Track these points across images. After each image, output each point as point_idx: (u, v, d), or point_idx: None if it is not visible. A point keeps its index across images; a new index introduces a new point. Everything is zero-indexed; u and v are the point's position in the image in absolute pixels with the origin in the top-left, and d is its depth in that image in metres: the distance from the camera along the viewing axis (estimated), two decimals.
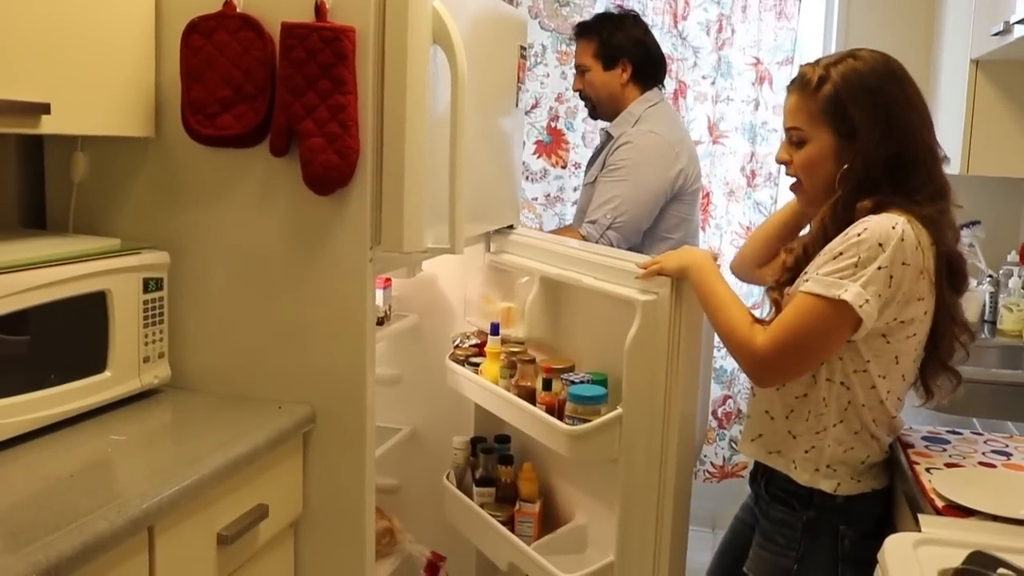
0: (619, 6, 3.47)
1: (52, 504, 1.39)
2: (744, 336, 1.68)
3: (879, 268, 1.57)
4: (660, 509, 1.99)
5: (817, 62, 1.75)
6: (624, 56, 2.88)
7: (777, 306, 1.73)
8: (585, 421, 2.00)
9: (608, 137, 2.93)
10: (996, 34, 2.52)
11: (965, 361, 1.78)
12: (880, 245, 1.57)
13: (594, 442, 2.00)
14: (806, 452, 1.72)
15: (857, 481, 1.71)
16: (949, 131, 3.18)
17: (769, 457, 1.78)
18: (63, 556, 1.23)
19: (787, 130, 1.78)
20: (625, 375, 1.96)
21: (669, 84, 3.60)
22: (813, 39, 3.66)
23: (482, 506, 2.39)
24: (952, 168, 3.07)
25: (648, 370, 1.96)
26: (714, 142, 3.62)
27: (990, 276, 3.30)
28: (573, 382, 2.06)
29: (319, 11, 1.78)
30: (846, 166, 1.68)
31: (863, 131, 1.66)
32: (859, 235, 1.60)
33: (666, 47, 3.60)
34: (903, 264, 1.59)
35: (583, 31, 2.94)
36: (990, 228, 3.39)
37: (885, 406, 1.70)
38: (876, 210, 1.63)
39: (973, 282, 3.33)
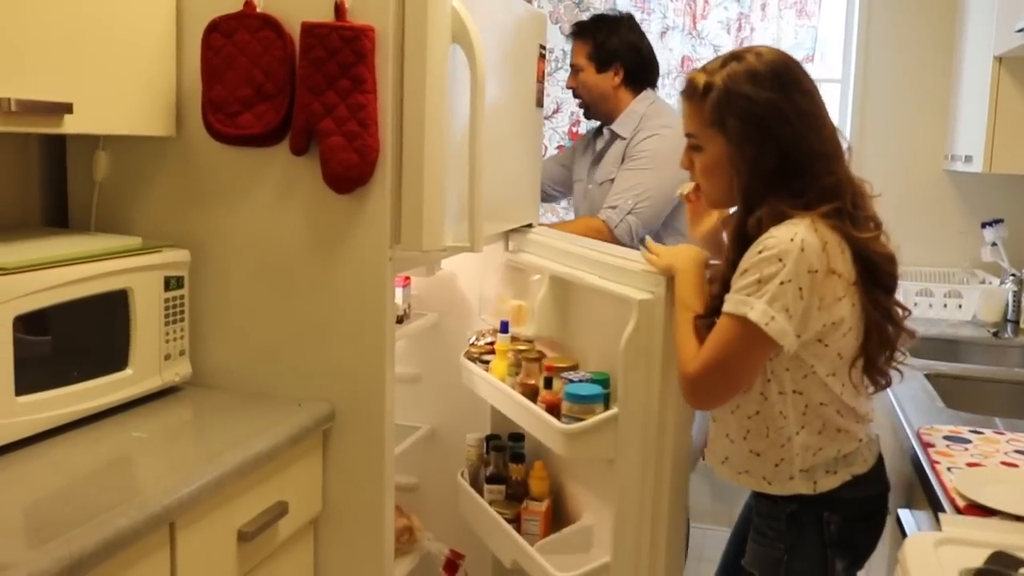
0: (617, 12, 3.45)
1: (74, 500, 1.40)
2: (686, 357, 1.70)
3: (781, 283, 1.56)
4: (656, 510, 1.97)
5: (704, 68, 1.74)
6: (617, 60, 2.93)
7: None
8: (580, 420, 1.99)
9: (613, 136, 2.95)
10: (1020, 30, 2.50)
11: (909, 343, 1.73)
12: (780, 260, 1.57)
13: (589, 441, 1.98)
14: (776, 466, 1.71)
15: (833, 473, 1.70)
16: (971, 129, 3.16)
17: (739, 477, 1.78)
18: (85, 551, 1.24)
19: (686, 136, 1.78)
20: (621, 375, 1.94)
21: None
22: (834, 36, 3.64)
23: (491, 503, 2.39)
24: (975, 166, 3.05)
25: (644, 370, 1.93)
26: None
27: (1013, 275, 3.28)
28: (572, 381, 2.05)
29: (339, 10, 1.79)
30: (736, 179, 1.68)
31: (739, 141, 1.66)
32: (760, 252, 1.60)
33: (685, 49, 3.61)
34: (809, 272, 1.57)
35: (579, 31, 2.98)
36: (1013, 226, 3.37)
37: (843, 399, 1.68)
38: (771, 221, 1.63)
39: (996, 281, 3.31)
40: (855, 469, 1.72)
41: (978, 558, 1.27)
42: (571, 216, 3.71)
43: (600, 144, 3.02)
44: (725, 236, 1.82)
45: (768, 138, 1.64)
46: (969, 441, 1.80)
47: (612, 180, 2.89)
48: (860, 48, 3.58)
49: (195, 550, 1.51)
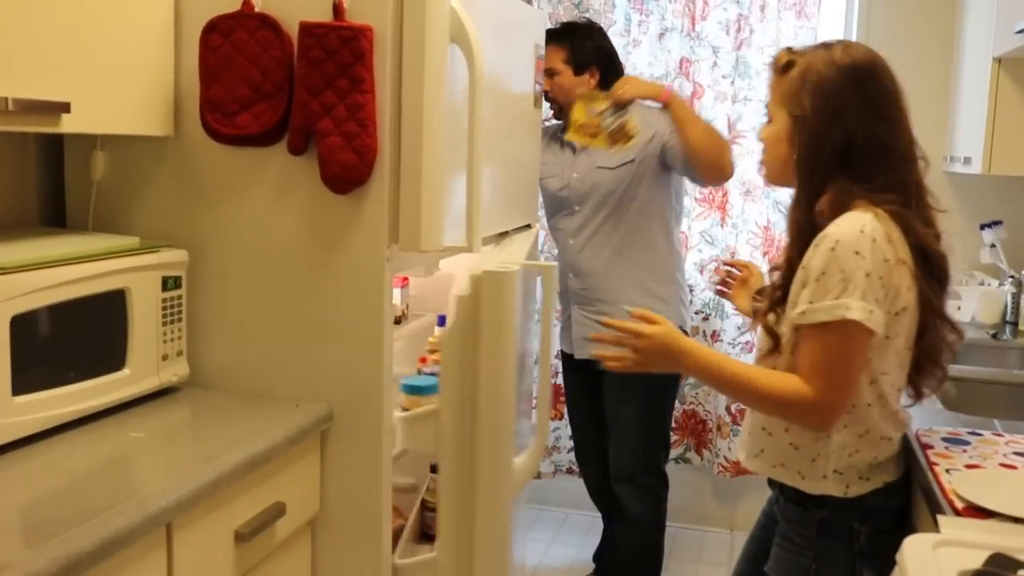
0: (587, 20, 3.48)
1: (71, 500, 1.40)
2: (795, 397, 1.61)
3: (867, 275, 1.56)
4: (474, 507, 1.91)
5: (792, 48, 1.78)
6: (593, 64, 3.03)
7: (767, 330, 1.73)
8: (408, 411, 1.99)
9: None
10: (1019, 32, 2.50)
11: (952, 360, 1.75)
12: (857, 253, 1.57)
13: (415, 434, 1.97)
14: (813, 461, 1.71)
15: (866, 480, 1.70)
16: (971, 130, 3.16)
17: (774, 471, 1.77)
18: (82, 552, 1.24)
19: (765, 108, 1.83)
20: (441, 371, 1.91)
21: (686, 87, 3.60)
22: (833, 38, 3.64)
23: (430, 491, 2.41)
24: (973, 167, 3.05)
25: (462, 367, 1.88)
26: (732, 141, 3.60)
27: (1012, 277, 3.28)
28: (427, 374, 2.06)
29: (337, 10, 1.78)
30: (797, 154, 1.69)
31: (809, 117, 1.67)
32: (832, 249, 1.58)
33: (684, 50, 3.60)
34: (885, 261, 1.58)
35: (554, 37, 3.04)
36: (1012, 228, 3.37)
37: (888, 400, 1.68)
38: (837, 209, 1.63)
39: (995, 283, 3.30)
40: (887, 477, 1.72)
41: (977, 560, 1.26)
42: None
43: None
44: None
45: (836, 119, 1.65)
46: (968, 443, 1.80)
47: (631, 161, 2.93)
48: None
49: (192, 551, 1.51)
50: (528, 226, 2.58)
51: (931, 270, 1.66)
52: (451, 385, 1.89)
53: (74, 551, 1.23)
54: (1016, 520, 1.43)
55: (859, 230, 1.58)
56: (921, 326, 1.68)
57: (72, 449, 1.60)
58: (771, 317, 1.74)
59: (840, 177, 1.65)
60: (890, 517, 1.73)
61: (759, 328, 1.78)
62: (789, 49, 1.78)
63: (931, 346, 1.70)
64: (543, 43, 2.62)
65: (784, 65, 1.73)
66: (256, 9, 1.83)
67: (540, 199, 3.28)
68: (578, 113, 2.88)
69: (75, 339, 1.69)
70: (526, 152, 2.56)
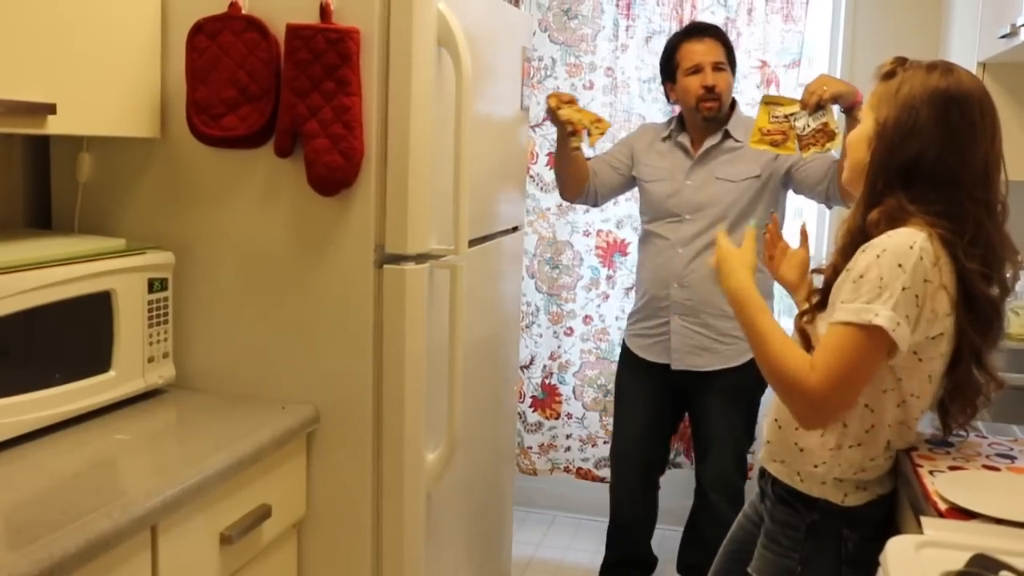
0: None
1: (56, 502, 1.40)
2: (796, 375, 1.59)
3: (903, 289, 1.55)
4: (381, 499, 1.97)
5: (902, 58, 1.75)
6: (734, 68, 3.00)
7: (802, 334, 1.72)
8: None
9: (726, 137, 2.94)
10: (1003, 36, 2.51)
11: (987, 406, 1.74)
12: (900, 266, 1.55)
13: None
14: (815, 467, 1.70)
15: (864, 491, 1.71)
16: None
17: (773, 465, 1.78)
18: (66, 554, 1.24)
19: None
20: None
21: None
22: (821, 42, 3.65)
23: None
24: None
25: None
26: None
27: None
28: None
29: (324, 13, 1.79)
30: (868, 160, 1.69)
31: (888, 127, 1.67)
32: (878, 256, 1.58)
33: None
34: (925, 282, 1.57)
35: (718, 32, 3.00)
36: None
37: (909, 425, 1.69)
38: (892, 223, 1.62)
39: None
40: (881, 490, 1.73)
41: (959, 561, 1.27)
42: (564, 226, 3.68)
43: (704, 144, 2.96)
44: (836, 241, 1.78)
45: (911, 135, 1.64)
46: (951, 445, 1.81)
47: (757, 176, 2.88)
48: (846, 53, 3.59)
49: (177, 553, 1.50)
50: (515, 228, 2.58)
51: (973, 305, 1.64)
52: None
53: (58, 553, 1.23)
54: (999, 521, 1.44)
55: (908, 245, 1.57)
56: (954, 358, 1.67)
57: (57, 451, 1.60)
58: (805, 318, 1.73)
59: (899, 192, 1.64)
60: (880, 527, 1.73)
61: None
62: (898, 58, 1.75)
63: (964, 381, 1.69)
64: (530, 45, 2.62)
65: (886, 73, 1.72)
66: (243, 11, 1.83)
67: (563, 200, 3.24)
68: (761, 119, 2.68)
69: (61, 341, 1.69)
70: (513, 154, 2.56)
